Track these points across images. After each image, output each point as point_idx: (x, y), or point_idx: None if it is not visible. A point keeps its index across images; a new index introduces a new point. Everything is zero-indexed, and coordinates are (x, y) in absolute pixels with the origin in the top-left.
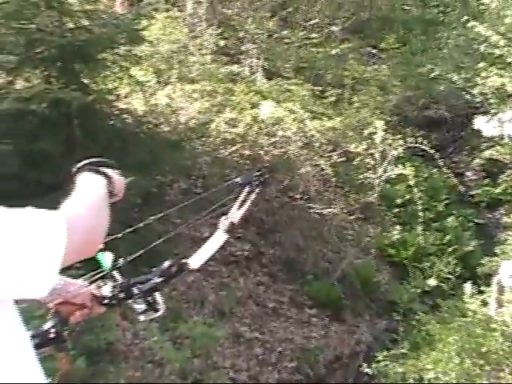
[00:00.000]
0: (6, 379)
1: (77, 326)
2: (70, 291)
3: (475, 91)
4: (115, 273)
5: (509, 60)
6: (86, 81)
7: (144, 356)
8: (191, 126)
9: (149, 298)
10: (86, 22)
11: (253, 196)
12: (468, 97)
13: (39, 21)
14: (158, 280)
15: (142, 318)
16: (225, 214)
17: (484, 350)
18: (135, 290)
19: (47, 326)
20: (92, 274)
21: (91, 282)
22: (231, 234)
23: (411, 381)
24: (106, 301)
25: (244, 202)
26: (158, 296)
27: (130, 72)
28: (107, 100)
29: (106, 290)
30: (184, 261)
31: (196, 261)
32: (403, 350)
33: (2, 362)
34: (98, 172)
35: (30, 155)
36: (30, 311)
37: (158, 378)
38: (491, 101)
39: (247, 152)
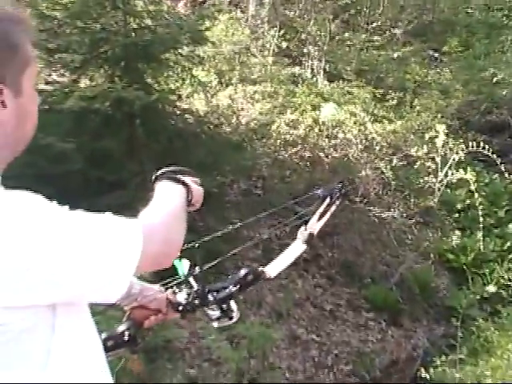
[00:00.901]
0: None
1: (149, 330)
2: (147, 296)
3: None
4: (191, 279)
5: None
6: (148, 80)
7: (201, 354)
8: (252, 127)
9: (223, 306)
10: (149, 22)
11: (333, 208)
12: None
13: (104, 21)
14: (234, 289)
15: (216, 324)
16: (305, 223)
17: None
18: (210, 298)
19: (121, 328)
20: (168, 280)
21: (167, 289)
22: (310, 245)
23: None
24: (180, 307)
25: (324, 213)
26: (232, 303)
27: (192, 72)
28: (169, 100)
29: (182, 296)
30: (261, 269)
31: (273, 269)
32: (461, 356)
33: (74, 365)
34: (177, 180)
35: (92, 153)
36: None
37: (215, 377)
38: None
39: (307, 154)
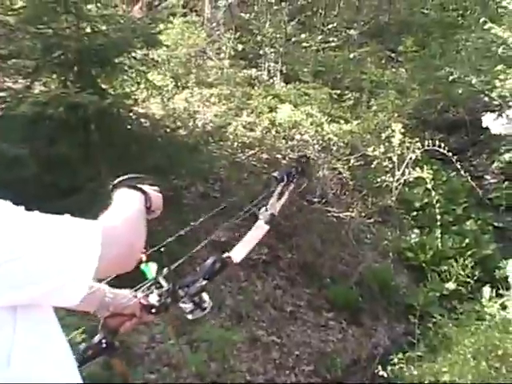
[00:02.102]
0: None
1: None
2: (120, 303)
3: (494, 94)
4: (161, 280)
5: None
6: (103, 85)
7: (160, 359)
8: (208, 129)
9: (195, 299)
10: (103, 27)
11: (291, 186)
12: (487, 99)
13: (56, 25)
14: (204, 282)
15: (190, 316)
16: (265, 205)
17: (500, 352)
18: (182, 293)
19: (98, 338)
20: (139, 286)
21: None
22: (272, 225)
23: (426, 383)
24: (154, 309)
25: (282, 193)
26: (204, 295)
27: (147, 76)
28: (125, 104)
29: (154, 298)
30: (226, 255)
31: (238, 253)
32: (419, 353)
33: (37, 365)
34: (136, 188)
35: (47, 159)
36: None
37: (174, 381)
38: (510, 103)
39: (265, 156)
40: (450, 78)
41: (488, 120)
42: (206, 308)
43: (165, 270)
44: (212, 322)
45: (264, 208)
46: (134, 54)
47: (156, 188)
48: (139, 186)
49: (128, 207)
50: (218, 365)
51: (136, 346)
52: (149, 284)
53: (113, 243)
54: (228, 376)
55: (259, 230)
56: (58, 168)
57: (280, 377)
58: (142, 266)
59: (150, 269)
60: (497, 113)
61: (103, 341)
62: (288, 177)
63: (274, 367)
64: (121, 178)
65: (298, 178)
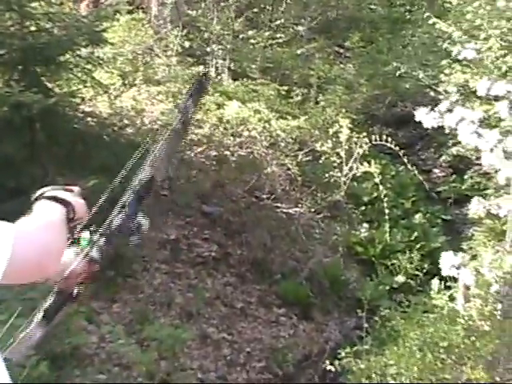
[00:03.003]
0: None
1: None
2: (70, 269)
3: (440, 88)
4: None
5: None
6: (48, 84)
7: (110, 359)
8: (156, 127)
9: (132, 226)
10: (47, 25)
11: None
12: (433, 94)
13: None
14: (140, 217)
15: (132, 241)
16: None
17: (446, 344)
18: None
19: (51, 300)
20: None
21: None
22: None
23: (373, 376)
24: (98, 263)
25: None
26: (140, 218)
27: (93, 75)
28: (70, 103)
29: (95, 253)
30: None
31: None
32: (366, 347)
33: None
34: (56, 199)
35: None
36: None
37: (125, 381)
38: (455, 98)
39: (213, 153)
40: (398, 72)
41: (420, 114)
42: (145, 227)
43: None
44: (162, 320)
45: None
46: (79, 52)
47: (79, 190)
48: (60, 196)
49: (45, 217)
50: (168, 363)
51: (85, 347)
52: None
53: (26, 248)
54: (179, 374)
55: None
56: (2, 169)
57: (231, 374)
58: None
59: (84, 237)
60: (429, 107)
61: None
62: (192, 95)
63: (225, 364)
64: (41, 191)
65: (199, 95)
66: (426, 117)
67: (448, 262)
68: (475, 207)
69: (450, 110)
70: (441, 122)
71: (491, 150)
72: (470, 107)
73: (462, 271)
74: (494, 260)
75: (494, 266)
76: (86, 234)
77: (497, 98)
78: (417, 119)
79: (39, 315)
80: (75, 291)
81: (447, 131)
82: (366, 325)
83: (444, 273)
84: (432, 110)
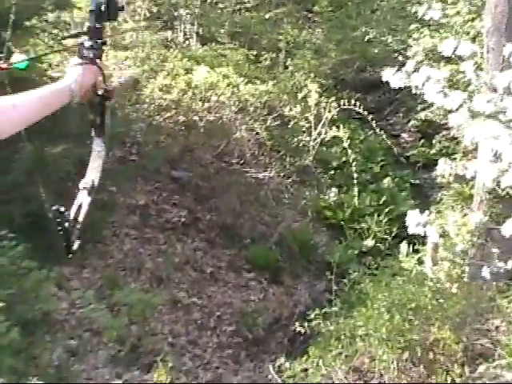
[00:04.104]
0: None
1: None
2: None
3: (409, 53)
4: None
5: (441, 21)
6: (14, 49)
7: (81, 325)
8: (124, 93)
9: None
10: None
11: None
12: (402, 58)
13: None
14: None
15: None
16: None
17: (414, 305)
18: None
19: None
20: None
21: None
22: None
23: (343, 337)
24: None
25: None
26: None
27: (60, 40)
28: (38, 68)
29: (87, 53)
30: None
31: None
32: (336, 309)
33: None
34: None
35: None
36: None
37: (96, 346)
38: (424, 62)
39: (182, 118)
40: (366, 37)
41: (387, 75)
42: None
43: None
44: (132, 285)
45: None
46: (45, 17)
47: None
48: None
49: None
50: (139, 328)
51: (56, 313)
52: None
53: None
54: (149, 339)
55: None
56: None
57: (202, 338)
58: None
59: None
60: (396, 67)
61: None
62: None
63: (195, 328)
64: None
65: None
66: (392, 77)
67: (414, 220)
68: (442, 168)
69: (416, 70)
70: (407, 82)
71: (457, 109)
72: (437, 67)
73: (429, 229)
74: (459, 218)
75: (459, 223)
76: (18, 57)
77: (462, 59)
78: (383, 79)
79: (92, 131)
80: (103, 91)
81: (414, 92)
82: (335, 288)
83: (410, 231)
84: (399, 70)
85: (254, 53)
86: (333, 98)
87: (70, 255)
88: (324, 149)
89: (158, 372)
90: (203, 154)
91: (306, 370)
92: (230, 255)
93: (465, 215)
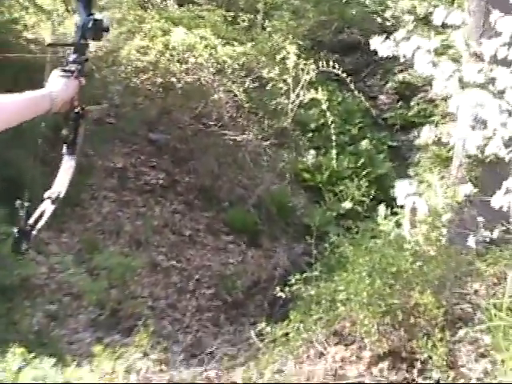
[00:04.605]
0: None
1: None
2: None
3: (387, 14)
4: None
5: None
6: None
7: (60, 289)
8: (100, 54)
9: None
10: None
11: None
12: (380, 20)
13: None
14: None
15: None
16: None
17: (394, 269)
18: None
19: (65, 130)
20: None
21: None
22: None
23: (323, 303)
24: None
25: None
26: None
27: (35, 0)
28: (13, 30)
29: (73, 67)
30: None
31: None
32: (316, 273)
33: None
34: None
35: None
36: None
37: (76, 310)
38: (403, 24)
39: (159, 80)
40: None
41: (375, 43)
42: (106, 20)
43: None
44: (111, 248)
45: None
46: None
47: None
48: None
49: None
50: (118, 291)
51: (35, 278)
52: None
53: None
54: (129, 302)
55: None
56: None
57: (181, 301)
58: None
59: None
60: (384, 35)
61: (71, 122)
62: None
63: (174, 291)
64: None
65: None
66: (380, 46)
67: (403, 191)
68: (426, 135)
69: (405, 39)
70: (396, 50)
71: (447, 79)
72: (426, 36)
73: (417, 200)
74: (446, 190)
75: (448, 195)
76: None
77: (446, 26)
78: (372, 48)
79: (64, 148)
80: (79, 110)
81: (402, 60)
82: (314, 251)
83: (399, 202)
84: (387, 38)
85: (232, 14)
86: (311, 60)
87: (15, 251)
88: (302, 111)
89: (140, 336)
90: (181, 116)
91: (287, 334)
92: (209, 218)
93: (442, 178)
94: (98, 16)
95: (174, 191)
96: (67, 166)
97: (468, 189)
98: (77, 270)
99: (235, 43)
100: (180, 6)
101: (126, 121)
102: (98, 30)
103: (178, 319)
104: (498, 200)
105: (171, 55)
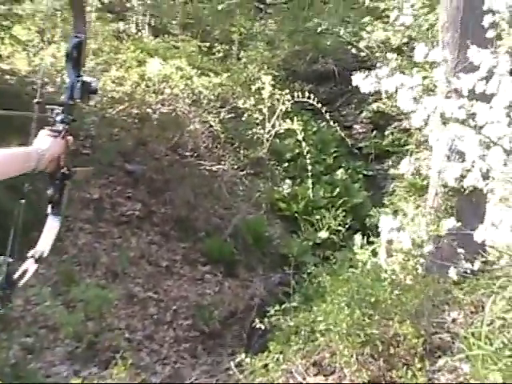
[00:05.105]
0: None
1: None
2: (48, 152)
3: (361, 45)
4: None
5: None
6: None
7: (37, 322)
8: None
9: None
10: None
11: None
12: (355, 50)
13: None
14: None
15: (92, 98)
16: None
17: (373, 299)
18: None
19: (51, 190)
20: None
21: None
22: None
23: (303, 333)
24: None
25: None
26: (85, 79)
27: (11, 31)
28: None
29: (60, 127)
30: None
31: None
32: (295, 304)
33: None
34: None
35: None
36: None
37: (52, 343)
38: (377, 54)
39: (135, 110)
40: (319, 29)
41: (357, 79)
42: (95, 83)
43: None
44: (87, 280)
45: None
46: None
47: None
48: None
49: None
50: (95, 324)
51: (11, 310)
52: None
53: None
54: (106, 335)
55: None
56: None
57: (158, 332)
58: None
59: None
60: (366, 72)
61: (57, 182)
62: None
63: (152, 323)
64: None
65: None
66: (362, 82)
67: (387, 225)
68: (405, 167)
69: (388, 75)
70: (378, 86)
71: (429, 115)
72: (409, 74)
73: (401, 235)
74: (428, 221)
75: (432, 229)
76: None
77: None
78: (354, 84)
79: (48, 207)
80: (66, 170)
81: (384, 96)
82: (293, 281)
83: (383, 237)
84: (368, 75)
85: (207, 44)
86: (286, 90)
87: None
88: (278, 141)
89: (118, 368)
90: (157, 147)
91: (266, 365)
92: (185, 248)
93: (418, 207)
94: (86, 78)
95: (150, 222)
96: (51, 226)
97: (451, 223)
98: (53, 303)
99: (211, 74)
100: (155, 36)
101: (101, 152)
102: (85, 91)
103: (155, 350)
104: (481, 234)
105: (147, 86)
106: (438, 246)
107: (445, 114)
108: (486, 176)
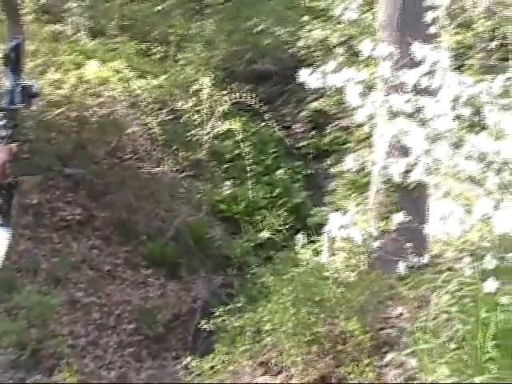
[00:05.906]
0: None
1: None
2: None
3: (300, 44)
4: None
5: (331, 13)
6: None
7: None
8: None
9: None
10: None
11: None
12: (293, 50)
13: None
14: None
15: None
16: None
17: (318, 298)
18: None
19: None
20: None
21: None
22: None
23: (248, 334)
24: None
25: None
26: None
27: None
28: None
29: (3, 132)
30: None
31: None
32: (239, 304)
33: None
34: None
35: None
36: None
37: None
38: (315, 53)
39: (74, 114)
40: (257, 29)
41: (304, 75)
42: (36, 85)
43: None
44: (29, 287)
45: None
46: None
47: None
48: None
49: None
50: (38, 331)
51: None
52: None
53: None
54: (50, 341)
55: None
56: None
57: (102, 338)
58: None
59: None
60: (312, 68)
61: (4, 191)
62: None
63: (95, 328)
64: None
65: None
66: (309, 77)
67: (337, 222)
68: (351, 164)
69: (335, 71)
70: (325, 82)
71: (376, 109)
72: (356, 69)
73: (353, 231)
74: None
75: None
76: None
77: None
78: (300, 80)
79: None
80: (10, 180)
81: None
82: (236, 282)
83: (333, 234)
84: (314, 71)
85: (145, 46)
86: (225, 92)
87: None
88: (217, 142)
89: (63, 375)
90: (96, 150)
91: (212, 367)
92: (127, 252)
93: (358, 204)
94: (26, 82)
95: (90, 226)
96: (1, 238)
97: (400, 217)
98: None
99: (149, 76)
100: (93, 38)
101: (40, 156)
102: (26, 95)
103: (99, 356)
104: (433, 228)
105: (85, 89)
106: (382, 242)
107: (392, 108)
108: (430, 171)
